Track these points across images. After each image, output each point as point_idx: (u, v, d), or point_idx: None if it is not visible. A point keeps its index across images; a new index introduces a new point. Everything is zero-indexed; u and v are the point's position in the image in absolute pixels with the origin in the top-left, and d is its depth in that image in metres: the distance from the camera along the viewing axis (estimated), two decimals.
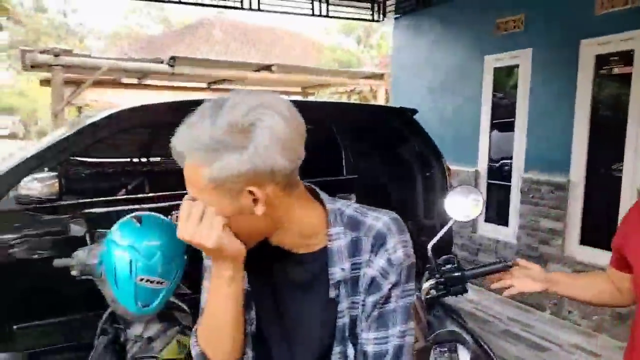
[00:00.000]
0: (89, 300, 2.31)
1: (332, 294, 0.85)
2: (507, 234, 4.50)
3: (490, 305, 4.26)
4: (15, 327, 2.36)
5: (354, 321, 0.87)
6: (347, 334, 0.87)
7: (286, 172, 0.77)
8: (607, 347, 3.47)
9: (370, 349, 0.86)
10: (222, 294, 0.83)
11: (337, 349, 0.87)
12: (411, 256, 0.87)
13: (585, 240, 3.89)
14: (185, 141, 0.75)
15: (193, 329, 0.94)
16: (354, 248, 0.85)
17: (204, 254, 0.93)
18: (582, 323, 3.81)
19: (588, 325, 3.77)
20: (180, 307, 1.94)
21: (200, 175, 0.75)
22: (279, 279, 0.90)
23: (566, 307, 3.93)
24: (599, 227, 3.88)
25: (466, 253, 4.88)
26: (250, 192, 0.76)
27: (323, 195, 0.90)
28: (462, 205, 1.48)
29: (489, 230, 4.72)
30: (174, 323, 1.88)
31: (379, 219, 0.86)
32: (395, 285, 0.85)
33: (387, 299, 0.85)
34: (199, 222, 0.77)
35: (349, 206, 0.90)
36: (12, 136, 26.28)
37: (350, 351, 0.87)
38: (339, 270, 0.85)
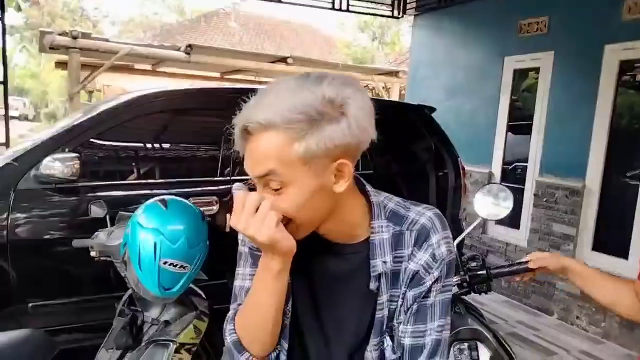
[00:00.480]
0: (104, 281, 2.35)
1: (373, 286, 0.86)
2: (518, 237, 4.48)
3: (497, 307, 4.25)
4: (30, 305, 2.38)
5: (392, 314, 0.88)
6: (385, 326, 0.88)
7: (364, 149, 0.79)
8: (614, 355, 3.46)
9: (407, 341, 0.87)
10: (269, 287, 0.83)
11: (374, 341, 0.88)
12: (453, 252, 0.88)
13: (597, 246, 3.87)
14: (279, 111, 0.72)
15: (229, 315, 0.94)
16: (397, 241, 0.86)
17: (240, 241, 0.94)
18: (590, 329, 3.79)
19: (596, 331, 3.75)
20: (198, 293, 1.96)
21: (291, 149, 0.73)
22: (319, 269, 0.90)
23: (574, 312, 3.91)
24: (612, 234, 3.85)
25: (477, 254, 4.86)
26: (339, 167, 0.76)
27: (368, 187, 0.90)
28: (491, 204, 1.47)
29: (500, 233, 4.70)
30: (191, 308, 1.89)
31: (422, 214, 0.87)
32: (437, 280, 0.85)
33: (427, 292, 0.86)
34: (253, 214, 0.76)
35: (391, 199, 0.91)
36: (22, 117, 26.45)
37: (387, 343, 0.88)
38: (380, 263, 0.85)
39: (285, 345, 0.90)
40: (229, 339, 0.90)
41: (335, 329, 0.90)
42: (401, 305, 0.87)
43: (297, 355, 0.92)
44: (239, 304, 0.92)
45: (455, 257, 0.88)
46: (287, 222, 0.78)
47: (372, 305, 0.87)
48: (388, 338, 0.88)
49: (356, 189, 0.88)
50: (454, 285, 1.47)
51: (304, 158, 0.74)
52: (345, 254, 0.88)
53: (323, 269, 0.89)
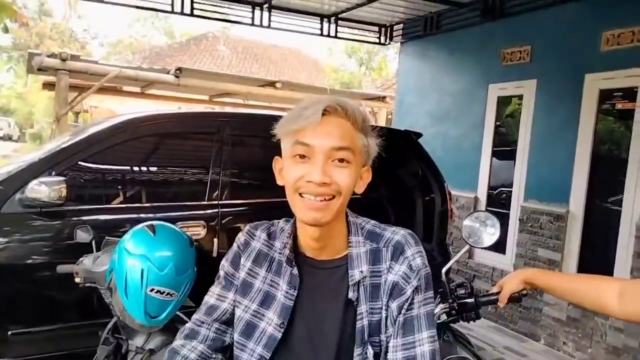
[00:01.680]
0: (86, 309, 2.30)
1: (352, 295, 0.94)
2: (505, 262, 4.51)
3: (484, 332, 4.24)
4: (10, 332, 2.31)
5: (373, 326, 0.94)
6: (366, 337, 0.94)
7: None
8: None
9: (399, 355, 0.92)
10: None
11: (357, 351, 0.94)
12: (427, 266, 0.97)
13: (582, 271, 3.90)
14: (355, 109, 0.93)
15: (184, 328, 1.07)
16: (374, 257, 0.96)
17: (221, 265, 1.06)
18: (576, 355, 3.80)
19: (582, 357, 3.76)
20: (184, 320, 1.92)
21: (358, 138, 0.93)
22: (307, 285, 0.98)
23: (561, 338, 3.92)
24: (596, 259, 3.90)
25: (461, 279, 4.88)
26: (363, 173, 0.96)
27: (347, 211, 1.01)
28: (478, 231, 1.49)
29: (486, 258, 4.72)
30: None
31: (397, 232, 0.99)
32: (416, 289, 0.94)
33: (410, 304, 0.93)
34: None
35: (368, 222, 1.02)
36: (7, 137, 26.11)
37: (369, 352, 0.93)
38: (357, 272, 0.95)
39: (267, 355, 0.96)
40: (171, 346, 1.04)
41: (321, 340, 0.96)
42: (387, 318, 0.94)
43: None
44: (197, 320, 1.05)
45: (430, 272, 0.96)
46: (332, 197, 0.90)
47: (353, 315, 0.95)
48: (370, 348, 0.93)
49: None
50: (442, 313, 1.47)
51: (360, 149, 0.93)
52: (327, 268, 0.98)
53: (310, 284, 0.98)
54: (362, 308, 0.94)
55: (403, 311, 0.93)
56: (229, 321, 1.03)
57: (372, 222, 1.03)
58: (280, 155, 0.97)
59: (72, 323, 2.41)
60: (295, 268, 0.97)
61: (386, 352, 0.94)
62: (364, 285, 0.94)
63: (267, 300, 0.99)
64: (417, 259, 0.95)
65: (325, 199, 0.89)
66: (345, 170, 0.90)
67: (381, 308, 0.94)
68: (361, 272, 0.94)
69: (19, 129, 29.09)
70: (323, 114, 0.89)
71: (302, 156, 0.90)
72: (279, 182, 0.98)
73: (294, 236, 1.00)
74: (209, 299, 1.04)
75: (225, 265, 1.04)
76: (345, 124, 0.91)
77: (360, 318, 0.94)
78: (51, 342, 2.38)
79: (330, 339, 0.95)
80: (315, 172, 0.88)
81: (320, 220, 0.90)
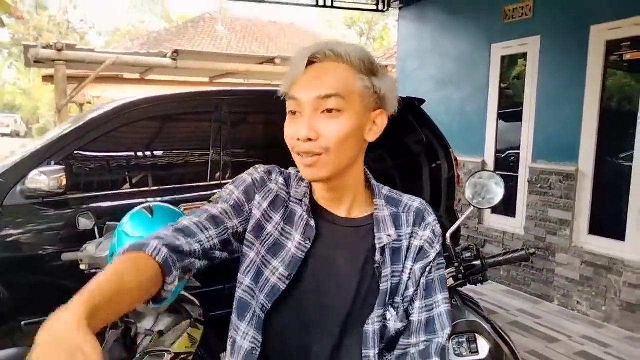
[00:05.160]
0: None
1: (378, 258, 0.92)
2: (515, 225, 4.47)
3: (497, 296, 4.24)
4: (23, 323, 2.34)
5: (393, 288, 0.93)
6: (387, 298, 0.93)
7: (390, 113, 0.91)
8: (616, 338, 3.45)
9: (423, 316, 0.93)
10: None
11: (378, 312, 0.91)
12: (441, 231, 1.00)
13: (594, 230, 3.86)
14: (351, 49, 0.86)
15: (178, 223, 0.88)
16: (394, 220, 0.95)
17: (228, 191, 0.96)
18: (591, 313, 3.78)
19: (596, 315, 3.74)
20: (191, 300, 1.92)
21: (355, 80, 0.85)
22: (325, 239, 0.93)
23: (575, 297, 3.90)
24: (608, 217, 3.84)
25: (471, 245, 4.85)
26: (376, 118, 0.88)
27: (366, 171, 0.98)
28: (482, 192, 1.44)
29: (496, 222, 4.68)
30: (185, 316, 1.85)
31: (414, 200, 0.98)
32: (438, 254, 0.95)
33: (430, 268, 0.94)
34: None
35: (383, 187, 1.00)
36: (14, 134, 26.30)
37: (391, 314, 0.92)
38: (385, 236, 0.92)
39: (268, 305, 0.91)
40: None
41: (332, 301, 0.92)
42: (408, 279, 0.94)
43: (289, 318, 0.92)
44: (197, 222, 0.88)
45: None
46: (318, 154, 0.84)
47: (375, 278, 0.92)
48: (392, 309, 0.92)
49: (363, 164, 0.95)
50: (450, 278, 1.45)
51: (361, 92, 0.85)
52: (349, 226, 0.94)
53: (327, 239, 0.93)
54: (387, 271, 0.92)
55: (426, 273, 0.94)
56: (226, 242, 0.91)
57: (387, 187, 1.01)
58: (284, 125, 0.92)
59: None
60: (313, 220, 0.92)
61: (404, 310, 0.94)
62: (388, 248, 0.93)
63: (274, 248, 0.93)
64: (437, 225, 0.97)
65: (312, 155, 0.84)
66: (334, 121, 0.84)
67: (401, 271, 0.93)
68: (389, 235, 0.92)
69: (26, 124, 29.27)
70: (312, 62, 0.84)
71: (294, 112, 0.86)
72: None
73: (310, 187, 0.96)
74: (211, 209, 0.91)
75: (234, 191, 0.94)
76: (338, 68, 0.85)
77: (386, 280, 0.92)
78: None
79: (342, 299, 0.92)
80: (301, 128, 0.84)
81: (315, 176, 0.87)
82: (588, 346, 3.33)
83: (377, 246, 0.92)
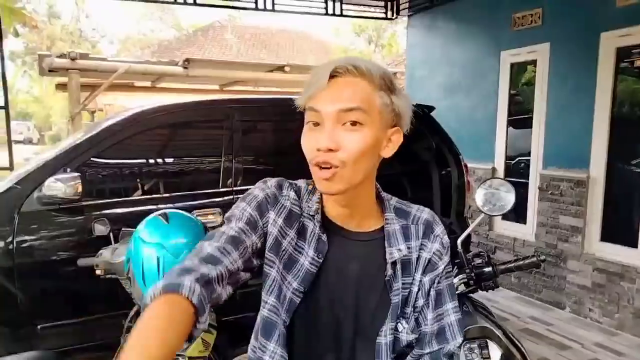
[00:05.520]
0: (111, 300, 2.35)
1: (390, 272, 0.93)
2: (526, 231, 4.45)
3: (509, 303, 4.22)
4: (39, 327, 2.38)
5: (403, 300, 0.95)
6: (398, 311, 0.94)
7: (403, 130, 0.93)
8: (630, 345, 3.41)
9: (435, 327, 0.95)
10: None
11: (390, 324, 0.93)
12: (449, 241, 1.01)
13: (606, 237, 3.83)
14: (372, 66, 0.88)
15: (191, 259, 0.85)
16: (405, 233, 0.96)
17: (240, 209, 0.96)
18: (604, 321, 3.75)
19: (609, 323, 3.71)
20: None
21: (375, 96, 0.87)
22: (336, 254, 0.94)
23: (587, 304, 3.87)
24: (620, 224, 3.82)
25: (482, 251, 4.83)
26: (392, 135, 0.90)
27: (376, 184, 0.98)
28: (493, 199, 1.46)
29: (507, 229, 4.67)
30: None
31: (423, 211, 1.00)
32: (446, 265, 0.97)
33: (439, 278, 0.96)
34: None
35: (392, 198, 1.01)
36: (27, 141, 26.66)
37: (402, 326, 0.94)
38: (396, 251, 0.93)
39: (288, 320, 0.92)
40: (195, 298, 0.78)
41: (344, 313, 0.94)
42: (418, 291, 0.95)
43: (304, 332, 0.94)
44: (219, 247, 0.87)
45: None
46: (336, 167, 0.85)
47: (386, 291, 0.94)
48: (404, 321, 0.94)
49: (375, 180, 0.96)
50: (461, 284, 1.46)
51: (380, 109, 0.87)
52: (359, 240, 0.95)
53: (338, 254, 0.94)
54: (398, 284, 0.94)
55: (434, 285, 0.95)
56: (247, 262, 0.91)
57: (395, 198, 1.02)
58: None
59: (97, 315, 2.47)
60: (325, 235, 0.93)
61: (415, 321, 0.96)
62: (399, 262, 0.94)
63: (289, 263, 0.94)
64: (445, 236, 0.98)
65: (330, 167, 0.85)
66: (355, 133, 0.85)
67: (411, 283, 0.95)
68: (399, 250, 0.93)
69: (38, 131, 29.66)
70: (333, 76, 0.85)
71: (316, 124, 0.87)
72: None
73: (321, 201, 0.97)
74: (228, 230, 0.90)
75: (247, 208, 0.93)
76: (359, 83, 0.86)
77: (397, 294, 0.94)
78: (78, 334, 2.45)
79: (354, 312, 0.94)
80: (322, 138, 0.84)
81: (331, 190, 0.87)
82: (600, 354, 3.30)
83: (388, 261, 0.93)
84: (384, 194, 0.99)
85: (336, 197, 0.91)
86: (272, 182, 0.99)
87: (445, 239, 0.97)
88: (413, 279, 0.95)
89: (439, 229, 0.98)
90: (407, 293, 0.95)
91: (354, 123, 0.85)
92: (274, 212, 0.94)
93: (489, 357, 1.47)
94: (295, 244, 0.95)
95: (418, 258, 0.95)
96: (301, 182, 1.00)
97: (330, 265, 0.94)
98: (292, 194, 0.97)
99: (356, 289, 0.94)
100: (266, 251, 0.94)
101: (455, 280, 1.45)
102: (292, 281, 0.93)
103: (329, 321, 0.94)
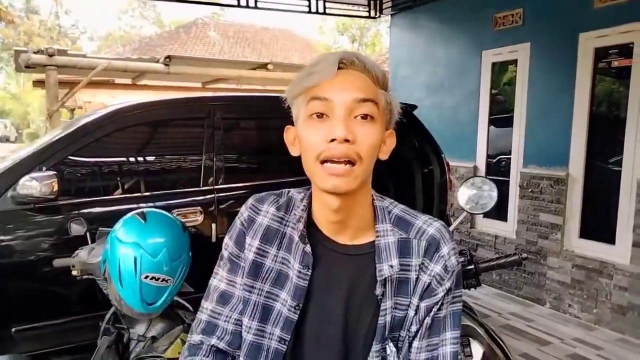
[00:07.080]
0: (88, 301, 2.29)
1: (379, 291, 0.84)
2: (507, 229, 4.50)
3: (490, 300, 4.26)
4: (13, 329, 2.31)
5: (396, 322, 0.86)
6: (387, 333, 0.85)
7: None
8: (608, 340, 3.48)
9: (422, 356, 0.87)
10: None
11: (376, 347, 0.85)
12: (460, 262, 0.89)
13: (584, 234, 3.90)
14: (373, 63, 0.83)
15: (193, 332, 0.96)
16: (402, 248, 0.86)
17: (224, 244, 0.95)
18: (582, 316, 3.81)
19: (588, 318, 3.77)
20: (184, 306, 1.92)
21: (380, 95, 0.83)
22: (323, 267, 0.87)
23: (566, 300, 3.93)
24: (598, 221, 3.88)
25: (464, 249, 4.87)
26: (386, 138, 0.85)
27: (372, 192, 0.90)
28: (475, 197, 1.46)
29: (488, 226, 4.71)
30: (178, 322, 1.84)
31: (430, 224, 0.88)
32: (448, 291, 0.86)
33: (440, 305, 0.86)
34: None
35: (396, 206, 0.91)
36: (4, 139, 26.07)
37: (390, 350, 0.86)
38: (387, 267, 0.84)
39: (287, 337, 0.87)
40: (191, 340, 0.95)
41: (335, 329, 0.87)
42: (414, 316, 0.86)
43: (292, 349, 0.88)
44: (212, 311, 0.94)
45: (461, 268, 0.88)
46: (352, 162, 0.78)
47: (374, 311, 0.85)
48: (392, 345, 0.85)
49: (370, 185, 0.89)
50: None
51: (384, 105, 0.83)
52: (349, 254, 0.87)
53: (325, 267, 0.87)
54: (387, 304, 0.85)
55: (432, 313, 0.85)
56: (243, 310, 0.91)
57: (401, 206, 0.91)
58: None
59: (74, 316, 2.41)
60: (309, 245, 0.85)
61: (408, 347, 0.87)
62: (390, 279, 0.85)
63: (279, 279, 0.88)
64: (452, 257, 0.86)
65: (347, 162, 0.77)
66: (369, 126, 0.79)
67: (407, 305, 0.86)
68: (391, 266, 0.84)
69: (16, 129, 29.01)
70: (339, 67, 0.79)
71: (320, 115, 0.79)
72: (294, 153, 0.86)
73: (309, 210, 0.89)
74: (219, 284, 0.93)
75: (229, 245, 0.93)
76: (365, 79, 0.81)
77: (384, 314, 0.85)
78: (54, 336, 2.39)
79: (341, 331, 0.86)
80: (337, 128, 0.76)
81: (342, 187, 0.78)
82: (580, 349, 3.35)
83: (378, 279, 0.84)
84: (380, 203, 0.90)
85: (334, 201, 0.82)
86: (249, 202, 0.93)
87: (452, 261, 0.86)
88: (410, 302, 0.86)
89: (446, 248, 0.86)
90: (402, 315, 0.86)
91: (364, 117, 0.79)
92: (249, 237, 0.90)
93: (471, 355, 1.48)
94: (282, 257, 0.89)
95: (417, 279, 0.85)
96: (294, 193, 0.93)
97: (319, 281, 0.87)
98: (272, 209, 0.91)
99: (345, 306, 0.86)
100: (244, 278, 0.90)
101: None
102: (287, 297, 0.87)
103: (315, 339, 0.88)
